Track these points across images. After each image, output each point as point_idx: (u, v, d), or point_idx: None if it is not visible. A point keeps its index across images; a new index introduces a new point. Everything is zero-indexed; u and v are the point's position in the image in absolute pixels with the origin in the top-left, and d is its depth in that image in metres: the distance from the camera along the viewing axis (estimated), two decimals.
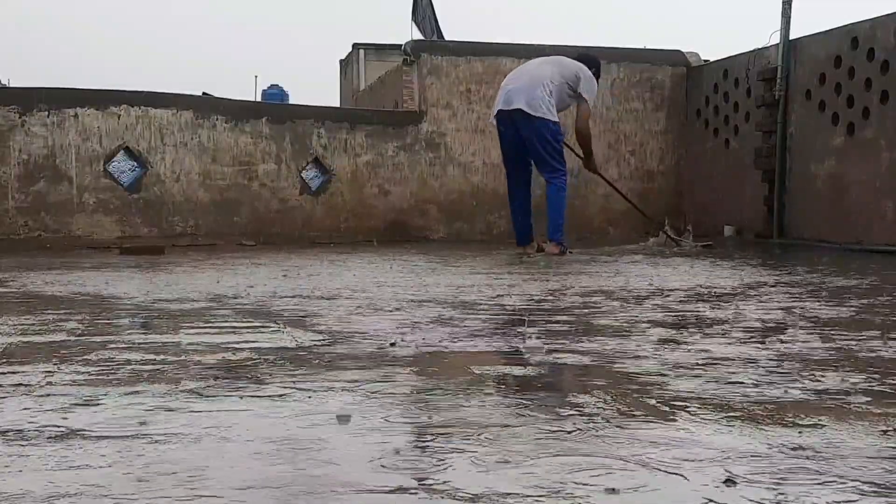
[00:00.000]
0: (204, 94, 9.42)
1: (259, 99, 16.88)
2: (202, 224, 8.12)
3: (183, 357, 2.22)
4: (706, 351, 2.33)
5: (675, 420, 1.60)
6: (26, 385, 1.88)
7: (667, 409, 1.68)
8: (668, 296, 3.71)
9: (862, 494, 1.20)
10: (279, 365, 2.13)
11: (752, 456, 1.37)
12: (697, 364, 2.14)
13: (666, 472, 1.29)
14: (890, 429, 1.53)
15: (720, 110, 8.60)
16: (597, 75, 7.09)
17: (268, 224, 8.30)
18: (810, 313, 3.12)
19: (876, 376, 1.99)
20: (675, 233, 7.62)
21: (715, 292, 3.87)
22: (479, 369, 2.07)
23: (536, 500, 1.17)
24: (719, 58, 8.80)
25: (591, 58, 7.19)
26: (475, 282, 4.32)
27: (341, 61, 15.78)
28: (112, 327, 2.79)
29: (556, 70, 6.91)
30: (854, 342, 2.48)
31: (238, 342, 2.47)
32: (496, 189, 8.89)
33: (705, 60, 9.21)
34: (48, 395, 1.79)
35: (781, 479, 1.26)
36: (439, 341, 2.50)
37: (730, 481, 1.23)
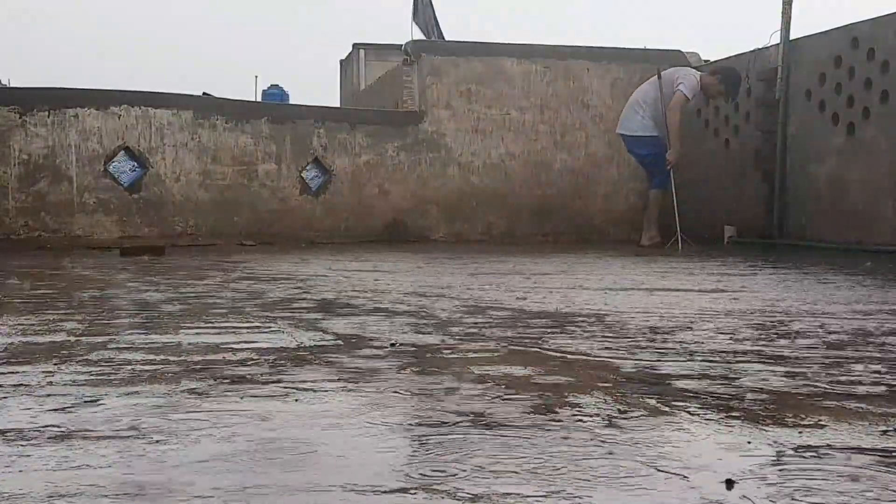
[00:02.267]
0: (204, 94, 9.41)
1: (259, 99, 16.86)
2: (202, 224, 8.13)
3: (183, 357, 2.22)
4: None
5: (675, 420, 1.60)
6: (26, 385, 1.88)
7: (667, 409, 1.68)
8: None
9: (862, 494, 1.19)
10: (279, 365, 2.13)
11: (752, 456, 1.36)
12: None
13: (666, 472, 1.29)
14: (890, 429, 1.53)
15: (720, 110, 8.60)
16: (729, 83, 7.95)
17: (268, 224, 8.31)
18: None
19: None
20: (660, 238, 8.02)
21: None
22: (479, 370, 2.07)
23: (536, 500, 1.16)
24: (719, 58, 8.80)
25: (724, 69, 8.16)
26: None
27: (341, 61, 15.77)
28: (112, 327, 2.79)
29: (650, 88, 8.08)
30: None
31: (238, 342, 2.47)
32: (496, 189, 8.90)
33: (705, 60, 9.21)
34: (48, 395, 1.79)
35: (782, 479, 1.26)
36: None
37: (730, 481, 1.23)
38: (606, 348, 2.39)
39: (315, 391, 1.83)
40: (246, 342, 2.47)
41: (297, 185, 8.43)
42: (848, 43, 6.87)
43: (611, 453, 1.38)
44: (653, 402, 1.74)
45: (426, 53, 8.94)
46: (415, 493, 1.19)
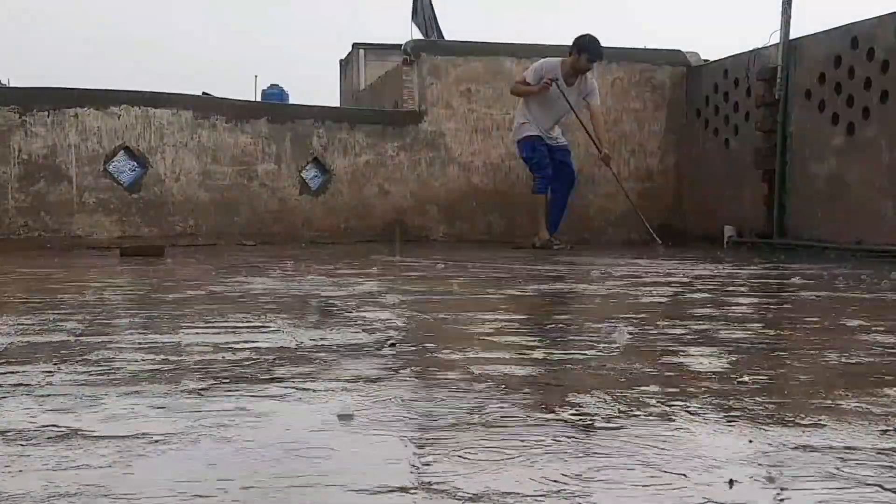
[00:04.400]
0: (204, 94, 9.42)
1: (259, 99, 16.87)
2: (202, 224, 8.13)
3: (183, 357, 2.22)
4: None
5: (674, 420, 1.60)
6: (26, 385, 1.88)
7: (666, 408, 1.68)
8: None
9: (862, 494, 1.20)
10: (279, 365, 2.13)
11: (752, 455, 1.37)
12: None
13: (666, 471, 1.29)
14: (890, 429, 1.53)
15: (720, 110, 8.60)
16: (582, 49, 7.61)
17: (268, 224, 8.31)
18: None
19: None
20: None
21: None
22: (478, 369, 2.07)
23: (536, 500, 1.16)
24: (719, 58, 8.80)
25: (574, 40, 7.73)
26: None
27: (341, 61, 15.78)
28: (112, 327, 2.79)
29: None
30: None
31: (238, 342, 2.47)
32: (496, 189, 8.91)
33: (705, 60, 9.22)
34: (48, 395, 1.78)
35: (782, 478, 1.26)
36: None
37: (730, 481, 1.23)
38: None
39: (315, 391, 1.83)
40: (246, 342, 2.47)
41: (297, 184, 8.43)
42: (848, 43, 6.87)
43: (610, 453, 1.38)
44: (653, 401, 1.74)
45: (426, 53, 8.94)
46: (415, 493, 1.19)
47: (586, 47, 7.55)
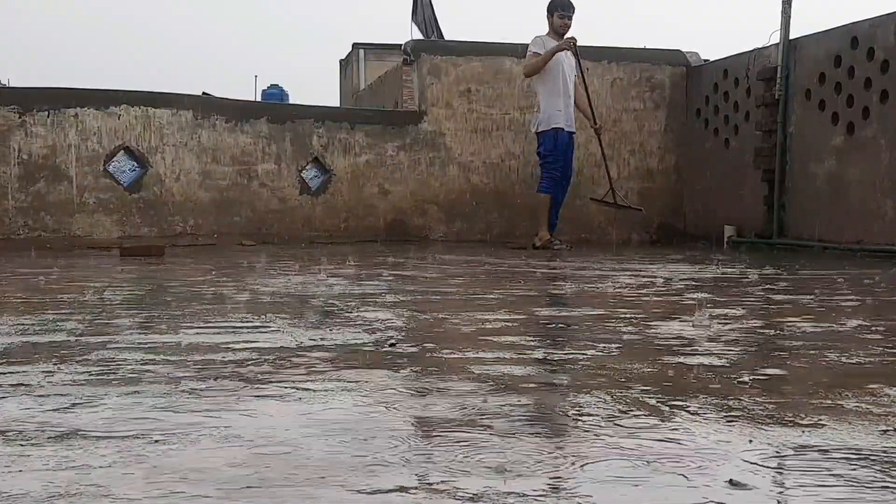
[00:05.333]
0: (204, 94, 9.41)
1: (259, 99, 16.89)
2: (202, 224, 8.12)
3: (183, 357, 2.22)
4: None
5: (674, 420, 1.60)
6: (26, 385, 1.88)
7: (666, 408, 1.68)
8: None
9: (863, 494, 1.20)
10: (279, 365, 2.13)
11: (752, 455, 1.37)
12: None
13: (666, 471, 1.29)
14: (890, 429, 1.53)
15: (720, 110, 8.59)
16: (552, 9, 7.69)
17: (268, 224, 8.30)
18: None
19: None
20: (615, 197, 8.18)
21: None
22: (478, 370, 2.07)
23: (536, 500, 1.16)
24: (719, 58, 8.80)
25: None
26: None
27: (341, 61, 15.80)
28: (112, 327, 2.79)
29: None
30: None
31: (238, 342, 2.47)
32: (496, 188, 8.90)
33: (705, 60, 9.21)
34: (48, 395, 1.79)
35: (782, 478, 1.26)
36: None
37: (730, 481, 1.23)
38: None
39: (315, 391, 1.83)
40: (246, 342, 2.47)
41: (297, 184, 8.43)
42: (847, 42, 6.86)
43: (611, 453, 1.38)
44: (653, 401, 1.74)
45: (426, 53, 8.94)
46: (415, 493, 1.19)
47: (554, 5, 7.66)
